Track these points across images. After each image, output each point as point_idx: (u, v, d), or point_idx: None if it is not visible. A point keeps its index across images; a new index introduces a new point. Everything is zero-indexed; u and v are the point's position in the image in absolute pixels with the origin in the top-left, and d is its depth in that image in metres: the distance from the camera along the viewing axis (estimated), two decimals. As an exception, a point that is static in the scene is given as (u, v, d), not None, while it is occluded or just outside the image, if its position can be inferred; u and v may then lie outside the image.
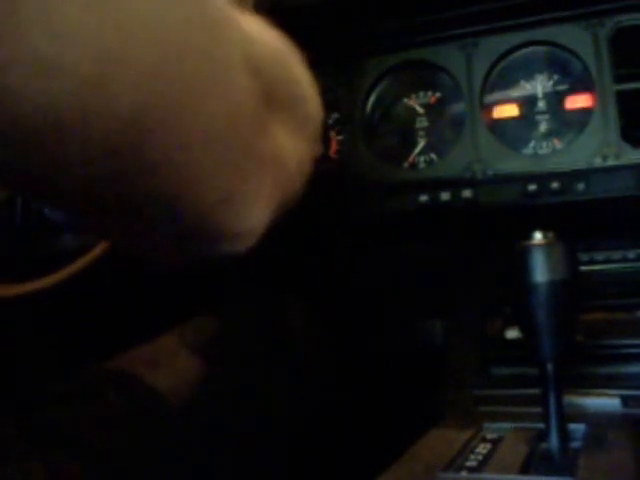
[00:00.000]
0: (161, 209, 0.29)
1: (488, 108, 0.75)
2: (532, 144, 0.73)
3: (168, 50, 0.25)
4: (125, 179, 0.27)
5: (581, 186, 0.68)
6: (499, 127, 0.74)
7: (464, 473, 0.48)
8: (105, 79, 0.23)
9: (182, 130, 0.27)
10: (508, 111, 0.75)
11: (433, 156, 0.78)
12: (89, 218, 0.32)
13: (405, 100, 0.81)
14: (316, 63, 0.86)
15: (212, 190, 0.30)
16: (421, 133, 0.79)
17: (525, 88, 0.74)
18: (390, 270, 0.91)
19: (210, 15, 0.28)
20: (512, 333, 0.73)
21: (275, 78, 0.36)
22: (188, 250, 0.34)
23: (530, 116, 0.74)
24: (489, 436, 0.56)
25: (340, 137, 0.83)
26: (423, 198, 0.74)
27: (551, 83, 0.73)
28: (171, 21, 0.26)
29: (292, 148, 0.38)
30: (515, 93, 0.75)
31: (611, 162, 0.68)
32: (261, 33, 0.37)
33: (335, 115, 0.83)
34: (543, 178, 0.70)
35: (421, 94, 0.80)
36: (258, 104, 0.32)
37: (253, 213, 0.33)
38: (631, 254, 0.73)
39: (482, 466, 0.49)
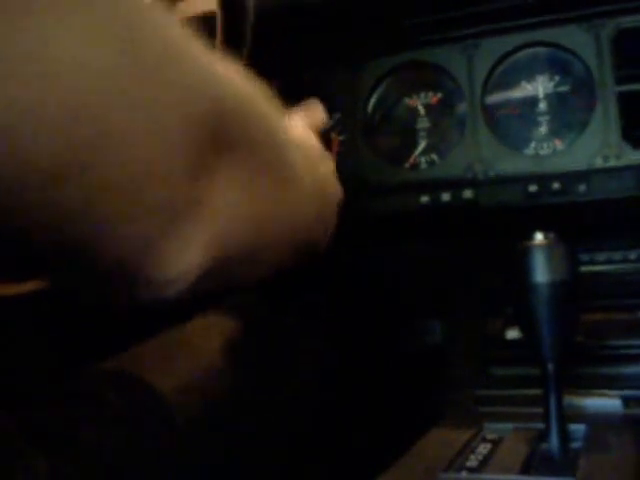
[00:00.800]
0: (81, 254, 0.28)
1: (489, 109, 0.75)
2: (533, 145, 0.73)
3: (89, 98, 0.24)
4: (42, 227, 0.26)
5: (582, 187, 0.68)
6: (500, 128, 0.74)
7: (464, 473, 0.48)
8: (15, 130, 0.22)
9: (106, 178, 0.26)
10: (509, 112, 0.75)
11: (434, 157, 0.78)
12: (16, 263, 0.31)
13: (406, 101, 0.81)
14: (318, 63, 0.87)
15: (136, 235, 0.28)
16: (422, 134, 0.79)
17: (526, 89, 0.74)
18: (390, 270, 0.91)
19: (154, 53, 0.27)
20: (512, 333, 0.73)
21: (234, 120, 0.33)
22: (112, 295, 0.32)
23: (531, 117, 0.74)
24: (489, 436, 0.56)
25: (341, 137, 0.83)
26: (424, 199, 0.75)
27: (552, 84, 0.74)
28: (96, 66, 0.24)
29: (242, 194, 0.35)
30: (516, 94, 0.75)
31: (612, 163, 0.68)
32: (225, 71, 0.34)
33: (336, 115, 0.83)
34: (544, 179, 0.70)
35: (422, 95, 0.80)
36: (201, 147, 0.30)
37: (183, 258, 0.31)
38: (632, 255, 0.73)
39: (482, 466, 0.49)
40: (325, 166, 0.58)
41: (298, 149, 0.45)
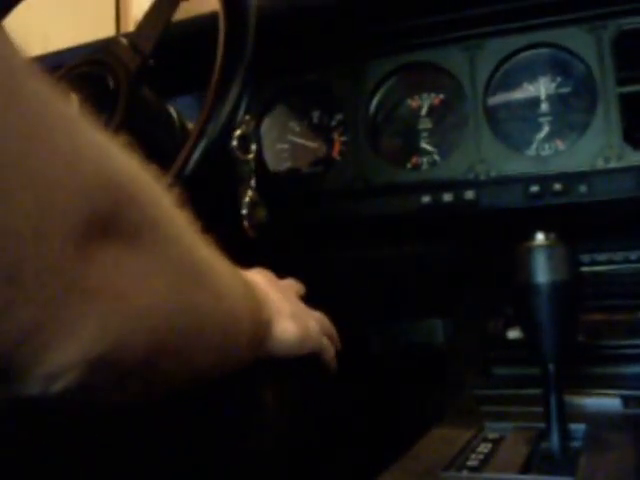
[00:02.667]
0: None
1: (491, 110, 0.75)
2: (535, 146, 0.74)
3: None
4: None
5: (583, 188, 0.69)
6: (502, 129, 0.75)
7: (465, 472, 0.49)
8: None
9: None
10: (511, 113, 0.75)
11: (436, 157, 0.78)
12: None
13: (409, 101, 0.81)
14: (321, 64, 0.87)
15: (11, 323, 0.26)
16: (424, 134, 0.79)
17: (528, 90, 0.75)
18: (392, 270, 0.91)
19: (46, 123, 0.26)
20: (513, 333, 0.73)
21: (134, 207, 0.31)
22: None
23: (533, 118, 0.74)
24: (490, 436, 0.56)
25: (343, 138, 0.83)
26: (425, 199, 0.75)
27: (554, 85, 0.74)
28: None
29: (138, 285, 0.32)
30: (518, 95, 0.75)
31: (613, 164, 0.68)
32: (120, 153, 0.32)
33: (339, 116, 0.83)
34: (545, 179, 0.70)
35: (425, 96, 0.80)
36: (90, 227, 0.28)
37: (68, 349, 0.28)
38: (633, 255, 0.73)
39: (483, 465, 0.49)
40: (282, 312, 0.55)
41: (223, 262, 0.42)
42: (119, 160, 0.31)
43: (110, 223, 0.29)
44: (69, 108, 0.29)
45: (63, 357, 0.28)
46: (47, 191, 0.25)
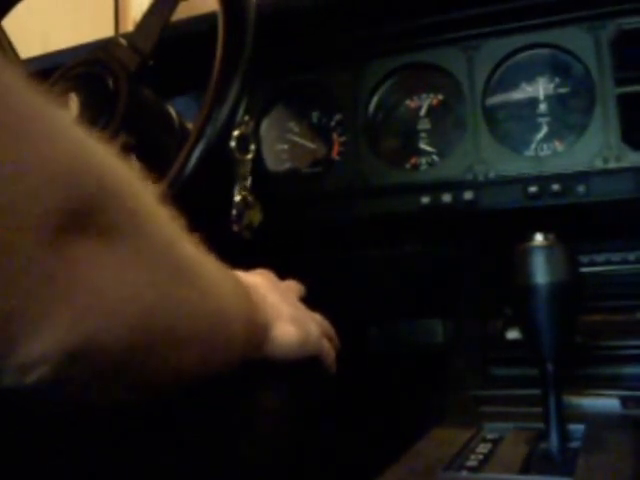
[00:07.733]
0: None
1: (490, 110, 0.75)
2: (533, 146, 0.74)
3: None
4: None
5: (582, 188, 0.69)
6: (501, 129, 0.75)
7: (464, 473, 0.49)
8: None
9: None
10: (510, 113, 0.75)
11: (435, 158, 0.78)
12: None
13: (407, 102, 0.81)
14: (320, 64, 0.87)
15: None
16: (423, 135, 0.79)
17: (527, 90, 0.75)
18: (391, 270, 0.91)
19: (18, 115, 0.26)
20: (512, 334, 0.73)
21: (112, 203, 0.31)
22: None
23: (531, 118, 0.74)
24: (489, 436, 0.56)
25: (342, 138, 0.83)
26: (424, 200, 0.75)
27: (552, 85, 0.74)
28: None
29: (116, 279, 0.31)
30: (517, 95, 0.75)
31: (612, 164, 0.68)
32: (99, 147, 0.32)
33: (338, 116, 0.83)
34: (544, 180, 0.70)
35: (423, 96, 0.80)
36: (65, 221, 0.27)
37: (41, 340, 0.28)
38: (631, 256, 0.73)
39: (482, 466, 0.49)
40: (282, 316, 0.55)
41: (210, 261, 0.42)
42: (97, 154, 0.31)
43: (86, 215, 0.29)
44: (47, 103, 0.29)
45: (36, 348, 0.28)
46: (19, 180, 0.25)
